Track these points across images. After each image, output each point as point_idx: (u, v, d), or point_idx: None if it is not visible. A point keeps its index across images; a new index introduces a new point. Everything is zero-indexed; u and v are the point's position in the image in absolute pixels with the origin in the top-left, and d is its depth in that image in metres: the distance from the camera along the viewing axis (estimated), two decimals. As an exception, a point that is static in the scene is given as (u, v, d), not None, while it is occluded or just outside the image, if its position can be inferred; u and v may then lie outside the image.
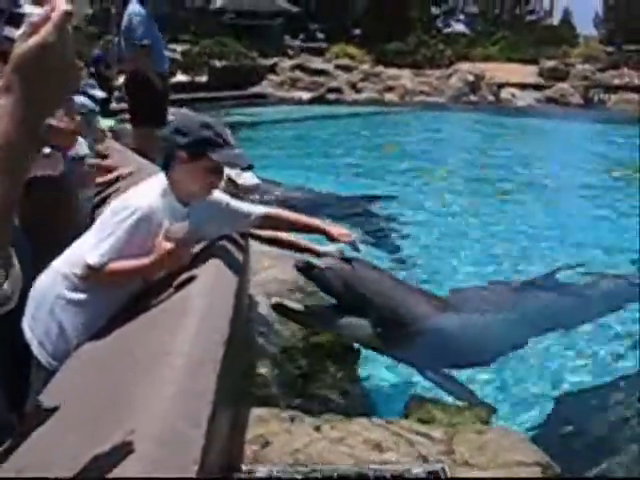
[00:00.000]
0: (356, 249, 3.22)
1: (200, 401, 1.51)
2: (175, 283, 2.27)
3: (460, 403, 3.34)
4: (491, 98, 26.48)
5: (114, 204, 2.42)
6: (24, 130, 1.00)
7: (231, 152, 2.42)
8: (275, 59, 28.62)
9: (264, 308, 3.52)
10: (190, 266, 2.35)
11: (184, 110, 8.36)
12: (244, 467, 2.25)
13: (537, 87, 27.05)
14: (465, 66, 28.36)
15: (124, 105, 9.00)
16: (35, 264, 2.16)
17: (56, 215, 3.12)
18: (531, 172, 11.40)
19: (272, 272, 3.88)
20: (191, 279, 2.26)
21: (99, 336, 2.22)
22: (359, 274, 3.41)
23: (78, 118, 3.82)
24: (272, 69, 28.00)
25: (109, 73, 13.44)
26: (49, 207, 3.03)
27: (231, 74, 25.64)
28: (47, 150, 3.14)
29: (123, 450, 1.27)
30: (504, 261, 6.33)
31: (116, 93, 13.60)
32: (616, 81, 26.91)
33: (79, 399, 1.81)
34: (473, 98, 26.46)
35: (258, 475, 2.22)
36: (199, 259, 2.44)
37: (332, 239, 3.10)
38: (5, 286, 1.35)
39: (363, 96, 26.46)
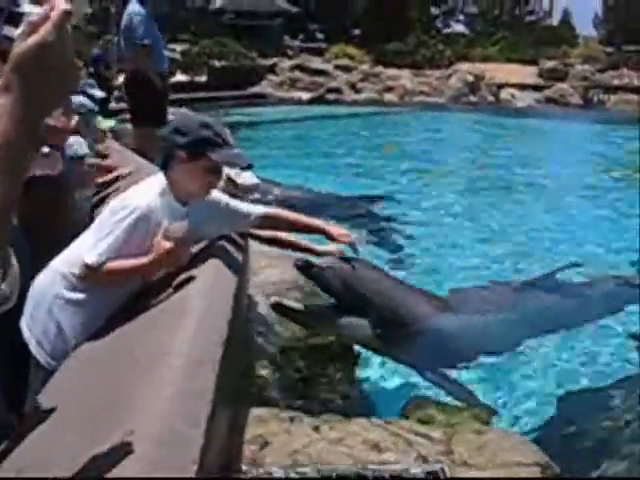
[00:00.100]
0: (355, 250, 3.22)
1: (199, 401, 1.51)
2: (174, 283, 2.27)
3: (459, 404, 3.34)
4: (491, 98, 26.49)
5: (113, 204, 2.42)
6: (23, 129, 1.00)
7: (230, 152, 2.42)
8: (274, 59, 28.63)
9: (263, 308, 3.51)
10: (189, 266, 2.35)
11: (183, 110, 8.36)
12: (243, 467, 2.25)
13: (537, 87, 27.06)
14: (465, 66, 28.37)
15: (123, 105, 9.00)
16: (33, 263, 2.15)
17: (54, 214, 3.12)
18: (530, 172, 11.41)
19: (271, 272, 3.88)
20: (190, 279, 2.26)
21: (98, 336, 2.21)
22: (359, 274, 3.41)
23: (77, 117, 3.82)
24: (271, 69, 28.00)
25: (108, 73, 13.44)
26: (48, 206, 3.03)
27: (230, 74, 25.64)
28: (46, 149, 3.14)
29: (122, 450, 1.27)
30: (504, 261, 6.33)
31: (115, 93, 13.59)
32: (615, 82, 26.93)
33: (78, 399, 1.81)
34: (473, 98, 26.47)
35: (257, 475, 2.22)
36: (198, 259, 2.44)
37: (332, 239, 3.10)
38: (3, 286, 1.34)
39: (362, 96, 26.48)
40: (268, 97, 25.86)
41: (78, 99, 4.56)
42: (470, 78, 26.99)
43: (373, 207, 8.03)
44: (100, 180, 4.56)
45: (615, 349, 4.41)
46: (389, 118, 21.08)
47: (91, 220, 2.82)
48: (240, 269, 2.57)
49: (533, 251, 6.65)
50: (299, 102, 25.10)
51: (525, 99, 26.33)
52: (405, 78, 27.78)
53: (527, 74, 28.16)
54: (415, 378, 3.69)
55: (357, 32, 35.31)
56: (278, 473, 2.23)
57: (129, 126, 7.29)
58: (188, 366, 1.65)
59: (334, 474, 2.23)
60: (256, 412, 2.71)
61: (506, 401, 3.76)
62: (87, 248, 2.28)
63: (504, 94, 26.67)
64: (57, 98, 1.07)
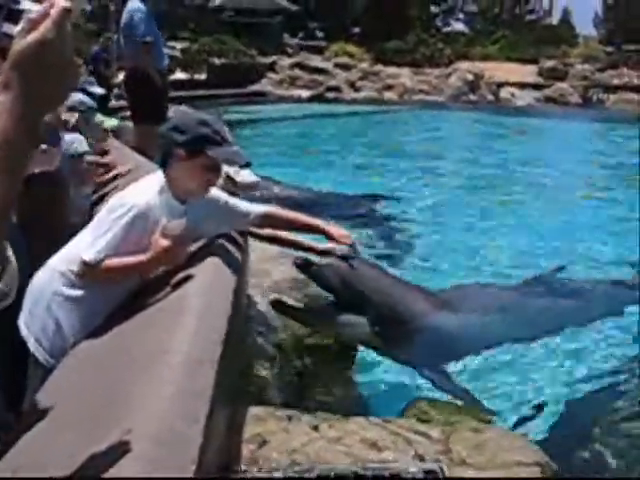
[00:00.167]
0: (355, 250, 3.21)
1: (198, 400, 1.50)
2: (173, 281, 2.26)
3: (457, 402, 3.33)
4: (490, 97, 26.52)
5: (111, 201, 2.41)
6: (23, 127, 0.99)
7: (229, 149, 2.42)
8: (274, 57, 28.63)
9: (263, 306, 3.51)
10: (188, 264, 2.34)
11: (183, 108, 8.35)
12: (242, 467, 2.24)
13: (536, 86, 27.10)
14: (464, 65, 28.40)
15: (123, 102, 8.98)
16: (31, 260, 2.15)
17: (51, 211, 3.12)
18: (530, 171, 11.41)
19: (271, 270, 3.87)
20: (189, 277, 2.25)
21: (96, 334, 2.21)
22: (358, 272, 3.40)
23: (76, 115, 3.81)
24: (271, 67, 28.02)
25: (108, 70, 13.43)
26: (45, 203, 3.02)
27: (230, 72, 25.64)
28: (43, 146, 3.13)
29: (120, 449, 1.27)
30: (503, 260, 6.33)
31: (115, 90, 13.57)
32: (615, 81, 26.96)
33: (76, 398, 1.80)
34: (472, 97, 26.50)
35: (256, 474, 2.21)
36: (197, 257, 2.43)
37: (331, 239, 3.09)
38: (1, 283, 1.34)
39: (362, 95, 26.49)
40: (268, 95, 25.87)
41: (78, 97, 4.55)
42: (470, 77, 27.02)
43: (372, 206, 8.02)
44: (99, 180, 4.55)
45: (615, 349, 4.41)
46: (388, 116, 21.08)
47: (90, 218, 2.82)
48: (239, 267, 2.57)
49: (532, 250, 6.65)
50: (299, 100, 25.11)
51: (525, 98, 26.36)
52: (405, 76, 27.80)
53: (527, 73, 28.19)
54: (413, 377, 3.69)
55: (357, 30, 35.33)
56: (277, 472, 2.23)
57: (129, 123, 7.28)
58: (187, 365, 1.65)
59: (332, 473, 2.23)
60: (254, 411, 2.70)
61: (505, 400, 3.76)
62: (85, 246, 2.28)
63: (504, 93, 26.71)
64: (57, 96, 1.07)
